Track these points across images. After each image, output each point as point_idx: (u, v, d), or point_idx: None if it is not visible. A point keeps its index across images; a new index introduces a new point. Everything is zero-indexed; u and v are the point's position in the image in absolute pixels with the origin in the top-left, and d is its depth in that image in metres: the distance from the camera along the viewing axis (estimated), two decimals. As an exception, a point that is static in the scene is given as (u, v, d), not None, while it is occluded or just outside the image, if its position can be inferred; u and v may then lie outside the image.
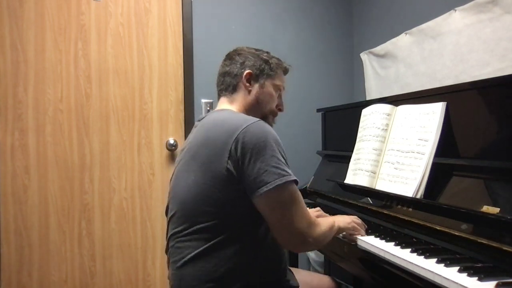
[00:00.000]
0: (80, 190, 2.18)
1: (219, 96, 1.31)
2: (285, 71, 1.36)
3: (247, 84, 1.25)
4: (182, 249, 1.10)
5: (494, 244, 0.97)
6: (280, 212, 1.05)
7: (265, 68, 1.27)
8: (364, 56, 2.54)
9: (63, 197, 2.15)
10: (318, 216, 1.49)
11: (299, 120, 2.59)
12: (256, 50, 1.31)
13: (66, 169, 2.15)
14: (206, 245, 1.06)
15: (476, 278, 0.87)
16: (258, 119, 1.11)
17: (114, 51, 2.22)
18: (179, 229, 1.12)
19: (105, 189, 2.21)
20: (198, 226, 1.08)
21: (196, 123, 1.27)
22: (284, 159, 1.07)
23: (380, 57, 2.37)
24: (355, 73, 2.73)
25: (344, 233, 1.30)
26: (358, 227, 1.29)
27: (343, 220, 1.27)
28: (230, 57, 1.31)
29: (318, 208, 1.51)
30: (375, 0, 2.49)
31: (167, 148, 2.30)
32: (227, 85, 1.27)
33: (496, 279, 0.85)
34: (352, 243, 1.28)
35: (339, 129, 2.09)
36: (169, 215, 1.18)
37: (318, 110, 2.24)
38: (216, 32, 2.39)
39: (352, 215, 1.37)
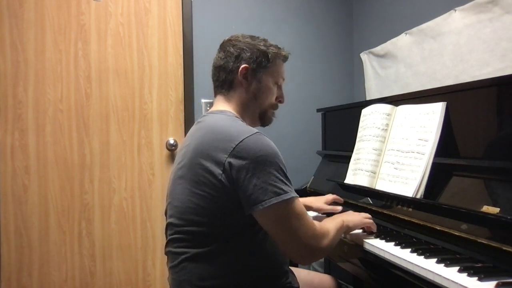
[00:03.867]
0: (80, 190, 2.18)
1: (215, 93, 1.25)
2: (285, 59, 1.26)
3: (244, 81, 1.18)
4: (178, 255, 1.09)
5: (494, 244, 0.97)
6: (280, 228, 1.02)
7: (263, 61, 1.19)
8: (364, 56, 2.54)
9: (63, 197, 2.15)
10: (334, 200, 1.60)
11: (299, 120, 2.60)
12: (252, 38, 1.22)
13: (66, 169, 2.15)
14: (201, 252, 1.05)
15: (476, 278, 0.87)
16: (255, 131, 1.04)
17: (114, 51, 2.22)
18: (174, 236, 1.11)
19: (105, 189, 2.21)
20: (192, 235, 1.06)
21: (196, 122, 1.22)
22: (282, 174, 1.02)
23: (380, 57, 2.37)
24: (355, 73, 2.73)
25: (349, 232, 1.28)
26: (370, 225, 1.27)
27: (352, 220, 1.24)
28: (224, 48, 1.21)
29: (333, 196, 1.59)
30: (375, 0, 2.49)
31: (167, 148, 2.29)
32: (222, 81, 1.20)
33: (496, 279, 0.85)
34: (352, 243, 1.28)
35: (339, 129, 2.09)
36: (167, 220, 1.17)
37: (318, 110, 2.24)
38: (216, 32, 2.39)
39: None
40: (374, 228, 1.28)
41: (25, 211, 2.09)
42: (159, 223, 2.28)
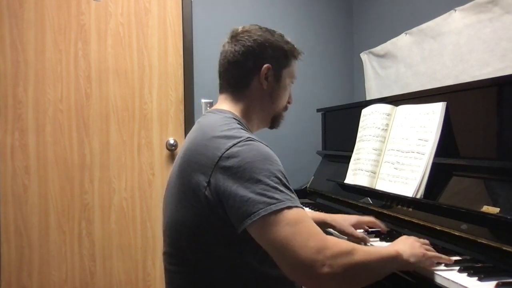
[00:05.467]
0: (80, 190, 2.18)
1: (222, 90, 1.10)
2: (298, 57, 1.17)
3: (265, 81, 1.06)
4: (172, 274, 1.01)
5: (494, 244, 0.97)
6: (273, 243, 0.83)
7: (283, 60, 1.09)
8: (364, 56, 2.54)
9: (63, 197, 2.15)
10: (370, 225, 1.31)
11: (299, 120, 2.59)
12: (271, 33, 1.09)
13: (66, 169, 2.15)
14: (195, 272, 0.96)
15: (476, 278, 0.87)
16: (246, 136, 0.92)
17: (114, 51, 2.22)
18: (166, 249, 1.03)
19: (105, 189, 2.21)
20: (182, 252, 0.97)
21: (196, 122, 1.11)
22: (277, 180, 0.87)
23: (380, 57, 2.37)
24: (355, 73, 2.73)
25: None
26: (431, 255, 0.97)
27: (411, 253, 0.94)
28: (241, 41, 1.06)
29: (369, 218, 1.30)
30: (375, 0, 2.49)
31: (167, 148, 2.30)
32: (237, 79, 1.07)
33: (496, 279, 0.85)
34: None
35: (339, 129, 2.09)
36: (162, 228, 1.08)
37: (318, 110, 2.24)
38: (216, 32, 2.39)
39: (386, 226, 1.26)
40: (444, 257, 0.99)
41: (25, 211, 2.09)
42: (159, 223, 2.28)
